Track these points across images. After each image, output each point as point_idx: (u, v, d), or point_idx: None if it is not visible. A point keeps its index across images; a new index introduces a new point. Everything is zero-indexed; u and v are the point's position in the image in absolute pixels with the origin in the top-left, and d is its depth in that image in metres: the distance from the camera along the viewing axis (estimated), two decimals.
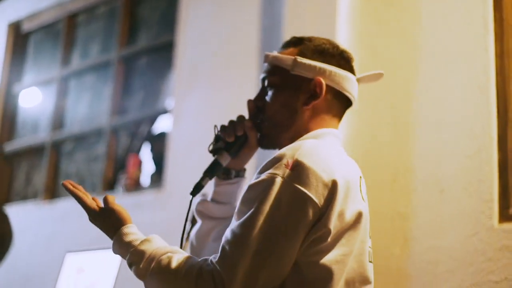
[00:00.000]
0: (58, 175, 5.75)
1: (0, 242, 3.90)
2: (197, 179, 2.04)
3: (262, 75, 2.02)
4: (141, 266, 1.73)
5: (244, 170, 2.14)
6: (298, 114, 1.93)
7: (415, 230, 3.03)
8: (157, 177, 4.88)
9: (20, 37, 6.47)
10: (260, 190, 1.69)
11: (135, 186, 4.94)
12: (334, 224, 1.70)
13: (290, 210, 1.66)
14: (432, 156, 3.06)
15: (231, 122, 2.06)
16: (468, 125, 2.95)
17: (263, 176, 1.71)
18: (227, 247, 1.66)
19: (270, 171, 1.70)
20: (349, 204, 1.74)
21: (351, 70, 2.00)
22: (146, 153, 5.35)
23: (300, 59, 1.94)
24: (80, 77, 5.92)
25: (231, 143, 2.05)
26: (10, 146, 6.17)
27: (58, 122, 5.87)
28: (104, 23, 5.84)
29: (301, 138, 1.90)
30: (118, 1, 5.68)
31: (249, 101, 2.05)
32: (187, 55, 4.46)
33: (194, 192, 2.02)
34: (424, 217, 3.02)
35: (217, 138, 2.07)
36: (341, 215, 1.72)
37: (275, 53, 2.01)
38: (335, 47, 2.00)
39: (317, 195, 1.67)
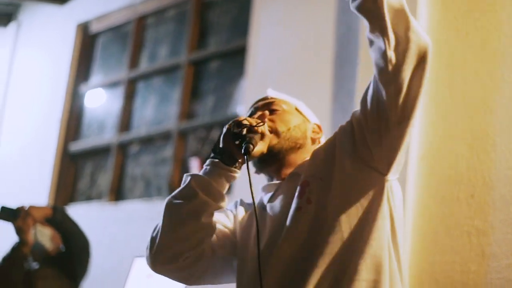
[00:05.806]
0: (123, 177, 5.78)
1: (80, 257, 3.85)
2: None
3: (267, 101, 2.30)
4: None
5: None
6: (306, 140, 2.27)
7: (493, 246, 2.95)
8: None
9: (88, 38, 6.53)
10: None
11: None
12: None
13: None
14: (511, 171, 2.98)
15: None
16: None
17: None
18: None
19: None
20: None
21: None
22: None
23: (301, 104, 2.35)
24: (147, 79, 5.94)
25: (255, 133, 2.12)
26: (76, 146, 6.22)
27: (124, 123, 5.90)
28: (173, 26, 5.84)
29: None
30: (188, 4, 5.68)
31: (264, 113, 2.24)
32: (258, 61, 4.42)
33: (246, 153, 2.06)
34: (503, 234, 2.93)
35: (240, 124, 2.11)
36: None
37: None
38: None
39: None
